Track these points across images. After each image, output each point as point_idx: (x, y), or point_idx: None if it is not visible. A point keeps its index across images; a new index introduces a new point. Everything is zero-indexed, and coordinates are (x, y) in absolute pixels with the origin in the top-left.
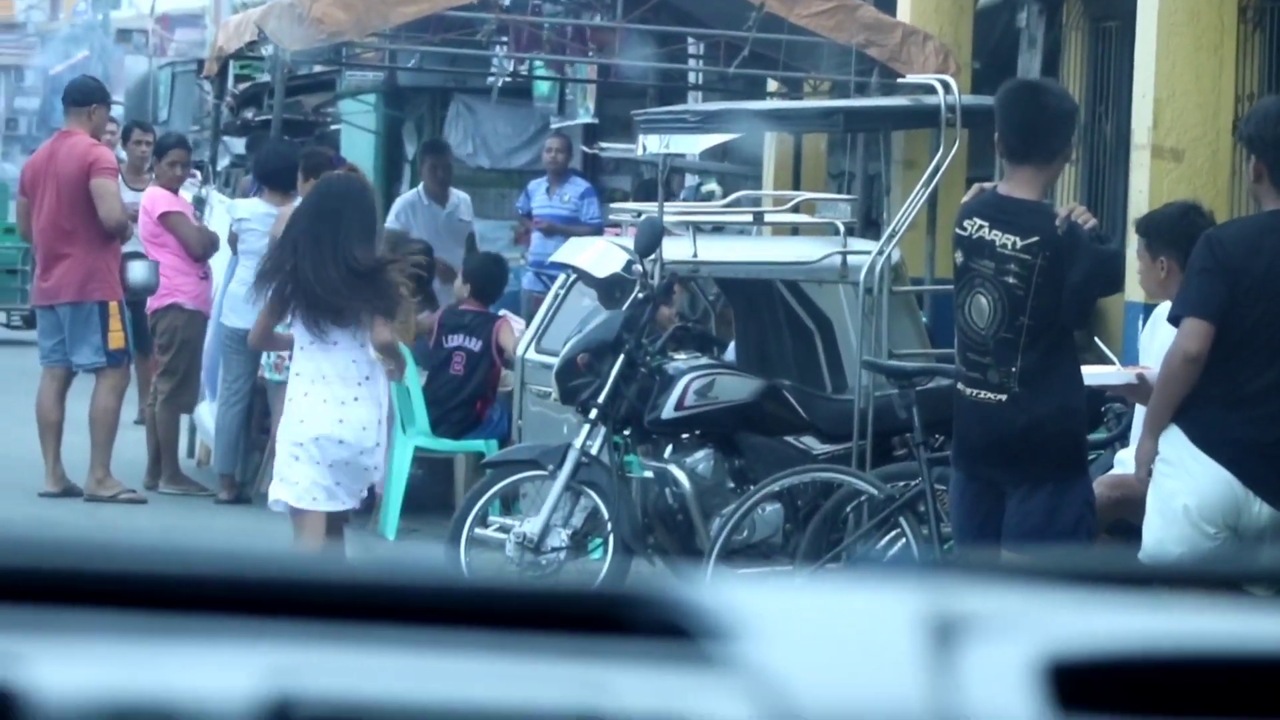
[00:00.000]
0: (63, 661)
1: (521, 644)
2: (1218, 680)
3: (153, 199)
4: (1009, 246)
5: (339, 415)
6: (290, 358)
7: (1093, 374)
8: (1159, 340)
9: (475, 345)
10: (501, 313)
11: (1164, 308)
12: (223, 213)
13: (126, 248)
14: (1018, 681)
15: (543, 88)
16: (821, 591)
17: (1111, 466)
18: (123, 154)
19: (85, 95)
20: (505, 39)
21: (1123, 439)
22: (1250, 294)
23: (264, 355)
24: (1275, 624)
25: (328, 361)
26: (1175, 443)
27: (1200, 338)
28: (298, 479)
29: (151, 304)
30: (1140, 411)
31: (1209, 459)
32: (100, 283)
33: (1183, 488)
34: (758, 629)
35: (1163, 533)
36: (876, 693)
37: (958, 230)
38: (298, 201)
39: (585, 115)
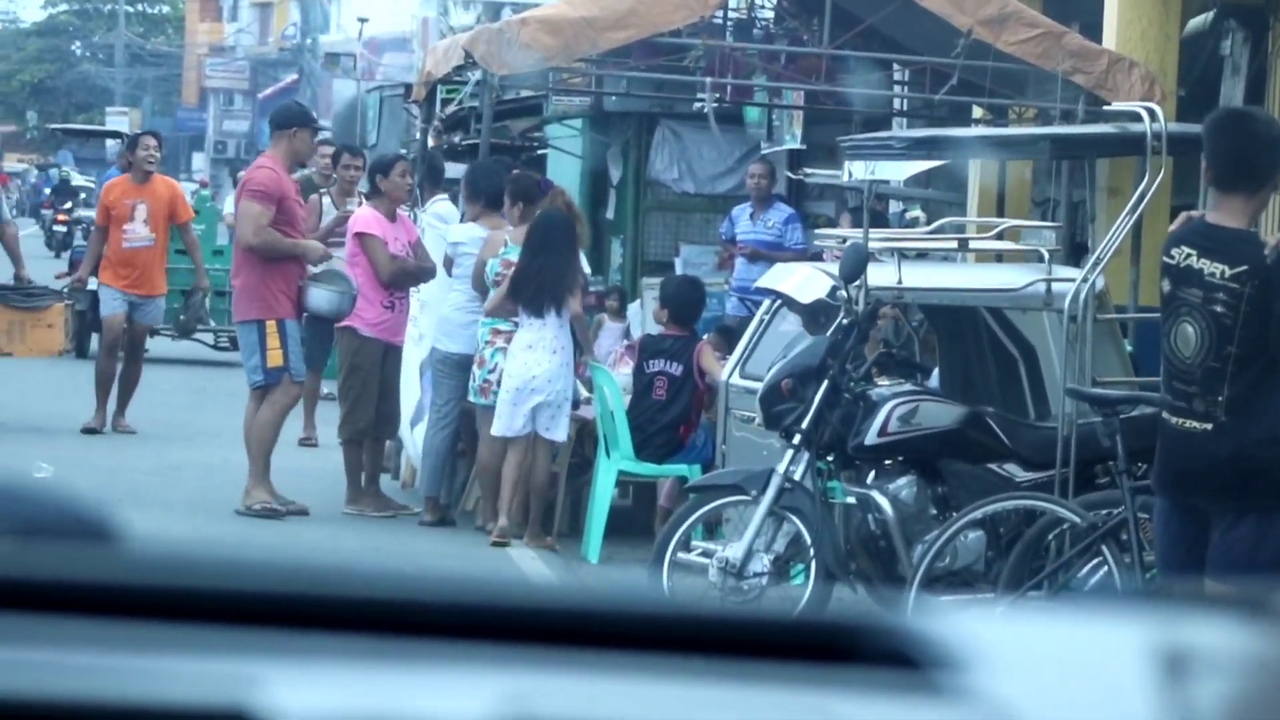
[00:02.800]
0: (300, 685)
1: (749, 671)
2: None
3: (355, 219)
4: (1217, 275)
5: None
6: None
7: None
8: None
9: (676, 370)
10: (704, 336)
11: None
12: (435, 237)
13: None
14: (1250, 716)
15: (753, 113)
16: (1049, 621)
17: None
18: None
19: (287, 119)
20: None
21: None
22: None
23: (471, 380)
24: None
25: (540, 333)
26: None
27: None
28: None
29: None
30: None
31: None
32: (258, 302)
33: None
34: (987, 659)
35: None
36: None
37: (1165, 258)
38: (507, 226)
39: (792, 141)
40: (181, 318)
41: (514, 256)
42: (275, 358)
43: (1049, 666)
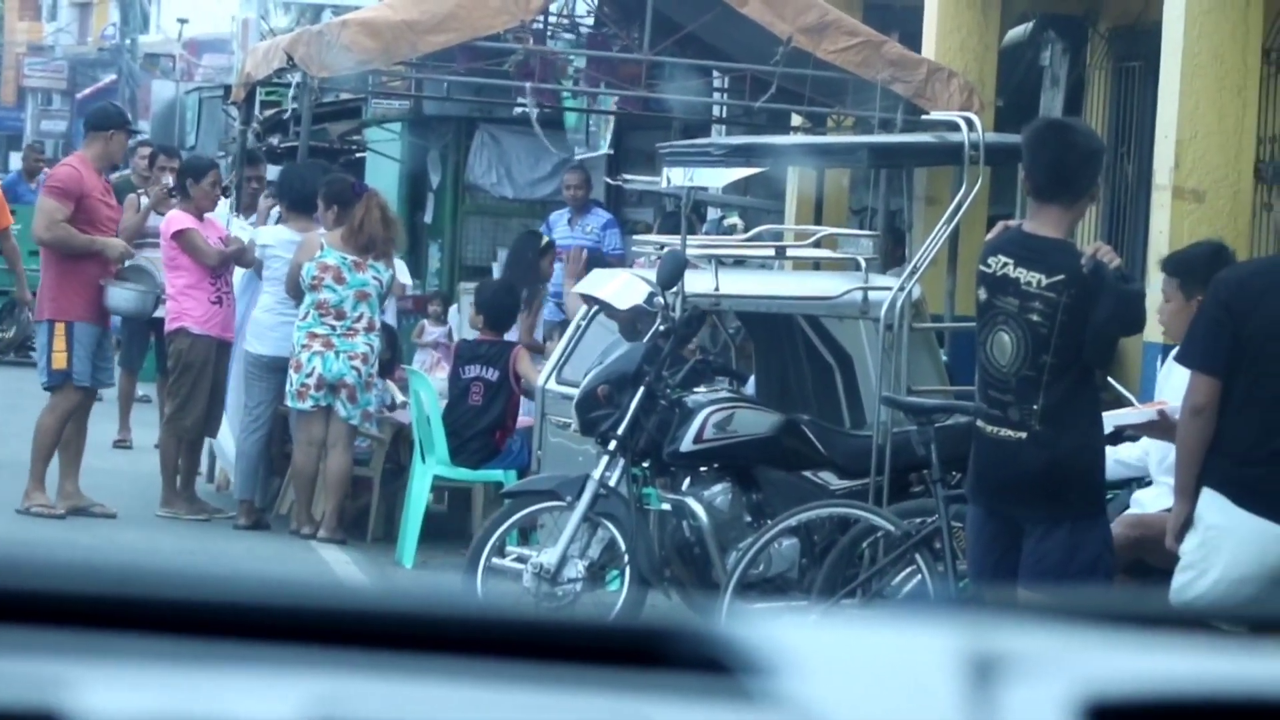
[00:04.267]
0: (110, 687)
1: (561, 676)
2: None
3: (168, 221)
4: (1034, 284)
5: None
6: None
7: (1113, 416)
8: (1174, 379)
9: (492, 375)
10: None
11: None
12: (245, 240)
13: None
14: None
15: (571, 119)
16: (859, 628)
17: (1128, 506)
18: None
19: (104, 121)
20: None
21: (1140, 479)
22: (1262, 339)
23: (288, 383)
24: None
25: None
26: (1214, 504)
27: (1205, 391)
28: None
29: (166, 326)
30: (1157, 450)
31: (1254, 515)
32: (50, 302)
33: (1222, 548)
34: (797, 665)
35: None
36: None
37: (982, 267)
38: (321, 229)
39: (604, 146)
40: (3, 335)
41: (331, 260)
42: (59, 360)
43: (858, 672)
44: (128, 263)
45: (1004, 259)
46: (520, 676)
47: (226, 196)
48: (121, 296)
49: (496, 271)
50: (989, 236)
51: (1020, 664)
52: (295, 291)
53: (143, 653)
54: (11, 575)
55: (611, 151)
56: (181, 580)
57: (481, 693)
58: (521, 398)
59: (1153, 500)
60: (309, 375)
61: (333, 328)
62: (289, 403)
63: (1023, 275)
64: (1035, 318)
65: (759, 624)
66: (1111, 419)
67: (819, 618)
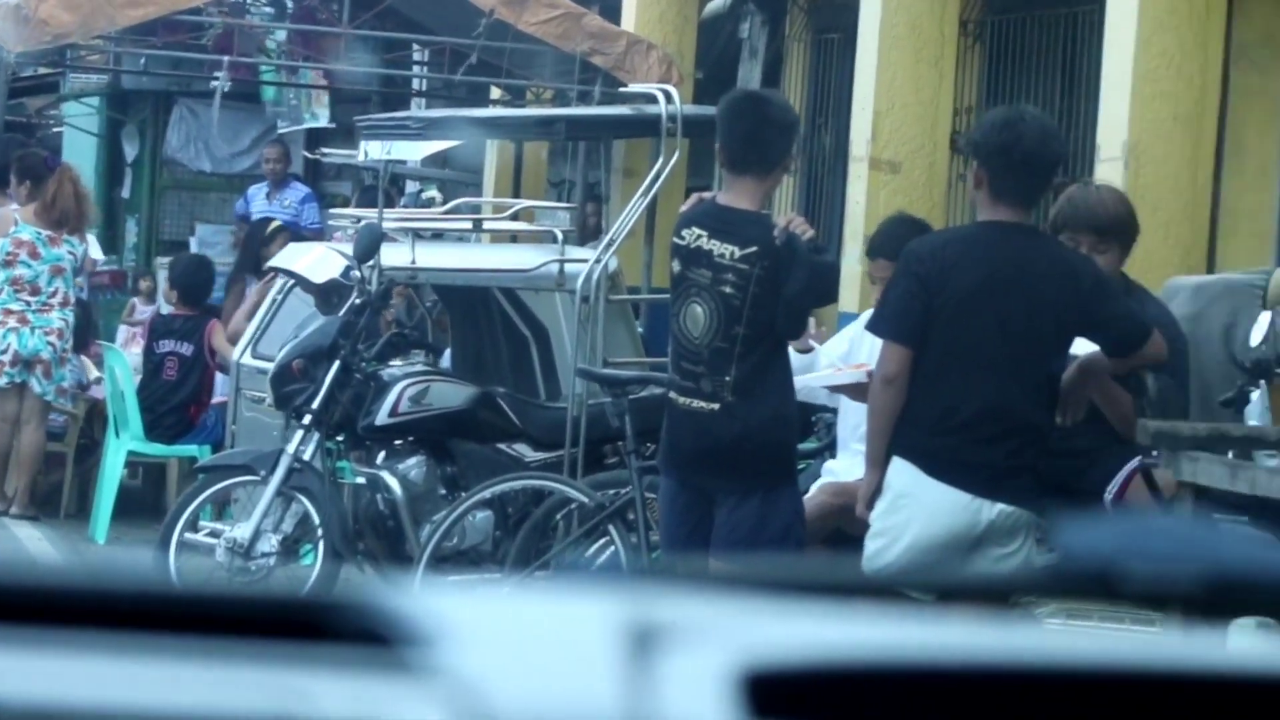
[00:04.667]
0: None
1: (221, 650)
2: (915, 690)
3: None
4: (727, 256)
5: None
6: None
7: (823, 377)
8: (866, 347)
9: (187, 350)
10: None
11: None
12: None
13: None
14: (714, 690)
15: (270, 92)
16: (522, 599)
17: (819, 476)
18: None
19: None
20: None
21: (831, 449)
22: (951, 310)
23: None
24: (966, 634)
25: None
26: (905, 473)
27: (896, 361)
28: None
29: None
30: (852, 414)
31: (942, 484)
32: None
33: (912, 518)
34: (457, 636)
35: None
36: (574, 701)
37: (675, 239)
38: (13, 205)
39: (312, 120)
40: None
41: (26, 235)
42: None
43: (517, 643)
44: None
45: (698, 231)
46: (183, 650)
47: None
48: None
49: (194, 246)
50: (683, 208)
51: (680, 634)
52: None
53: None
54: None
55: (333, 125)
56: None
57: (137, 666)
58: (217, 373)
59: (847, 469)
60: (4, 352)
61: (28, 304)
62: None
63: (716, 247)
64: (728, 290)
65: (420, 596)
66: (821, 381)
67: (480, 589)
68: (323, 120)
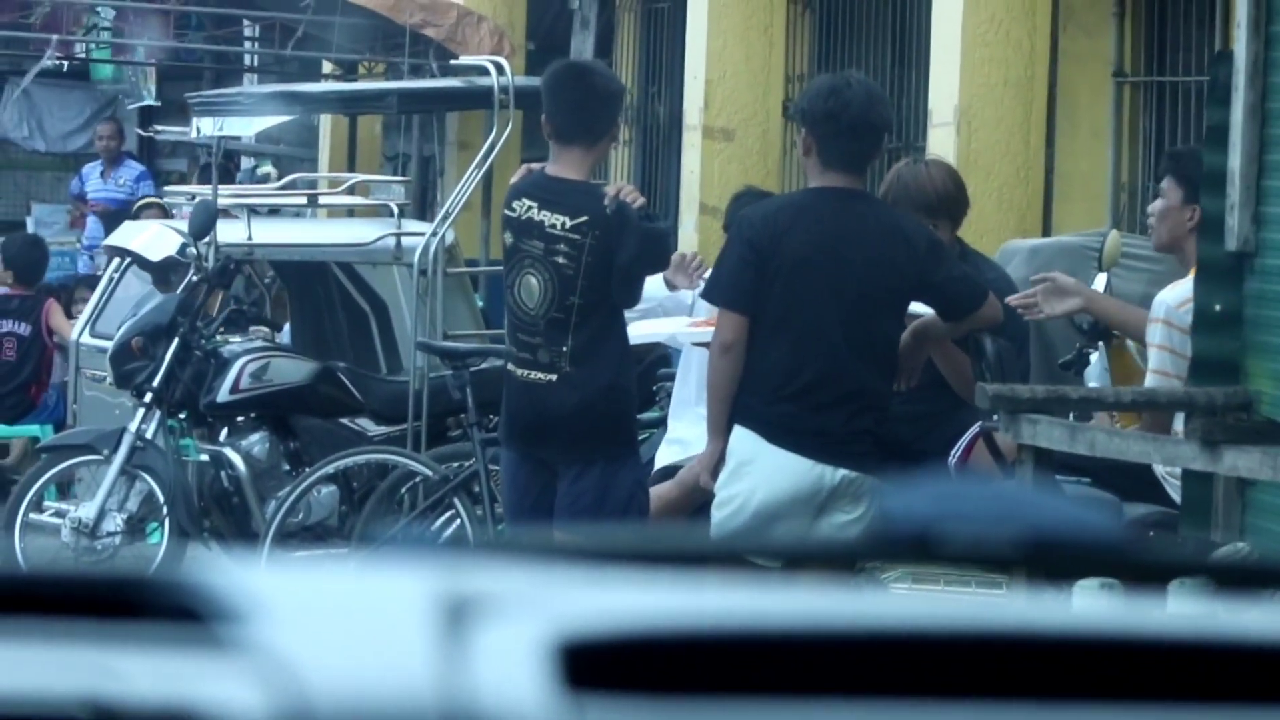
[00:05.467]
0: None
1: (25, 629)
2: (738, 657)
3: None
4: (558, 227)
5: None
6: None
7: (689, 333)
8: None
9: (24, 330)
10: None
11: None
12: None
13: None
14: (528, 661)
15: (105, 70)
16: (339, 573)
17: (660, 444)
18: None
19: None
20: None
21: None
22: (785, 276)
23: None
24: (796, 600)
25: None
26: (746, 441)
27: (732, 328)
28: None
29: None
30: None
31: (783, 450)
32: None
33: (756, 485)
34: (270, 611)
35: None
36: (387, 673)
37: (506, 211)
38: None
39: (147, 98)
40: None
41: None
42: None
43: (330, 616)
44: None
45: (528, 202)
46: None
47: None
48: None
49: (31, 226)
50: (512, 180)
51: (494, 605)
52: None
53: None
54: None
55: (158, 103)
56: None
57: None
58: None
59: (694, 435)
60: None
61: None
62: None
63: (547, 218)
64: (561, 260)
65: (233, 572)
66: (686, 335)
67: (292, 563)
68: (150, 98)
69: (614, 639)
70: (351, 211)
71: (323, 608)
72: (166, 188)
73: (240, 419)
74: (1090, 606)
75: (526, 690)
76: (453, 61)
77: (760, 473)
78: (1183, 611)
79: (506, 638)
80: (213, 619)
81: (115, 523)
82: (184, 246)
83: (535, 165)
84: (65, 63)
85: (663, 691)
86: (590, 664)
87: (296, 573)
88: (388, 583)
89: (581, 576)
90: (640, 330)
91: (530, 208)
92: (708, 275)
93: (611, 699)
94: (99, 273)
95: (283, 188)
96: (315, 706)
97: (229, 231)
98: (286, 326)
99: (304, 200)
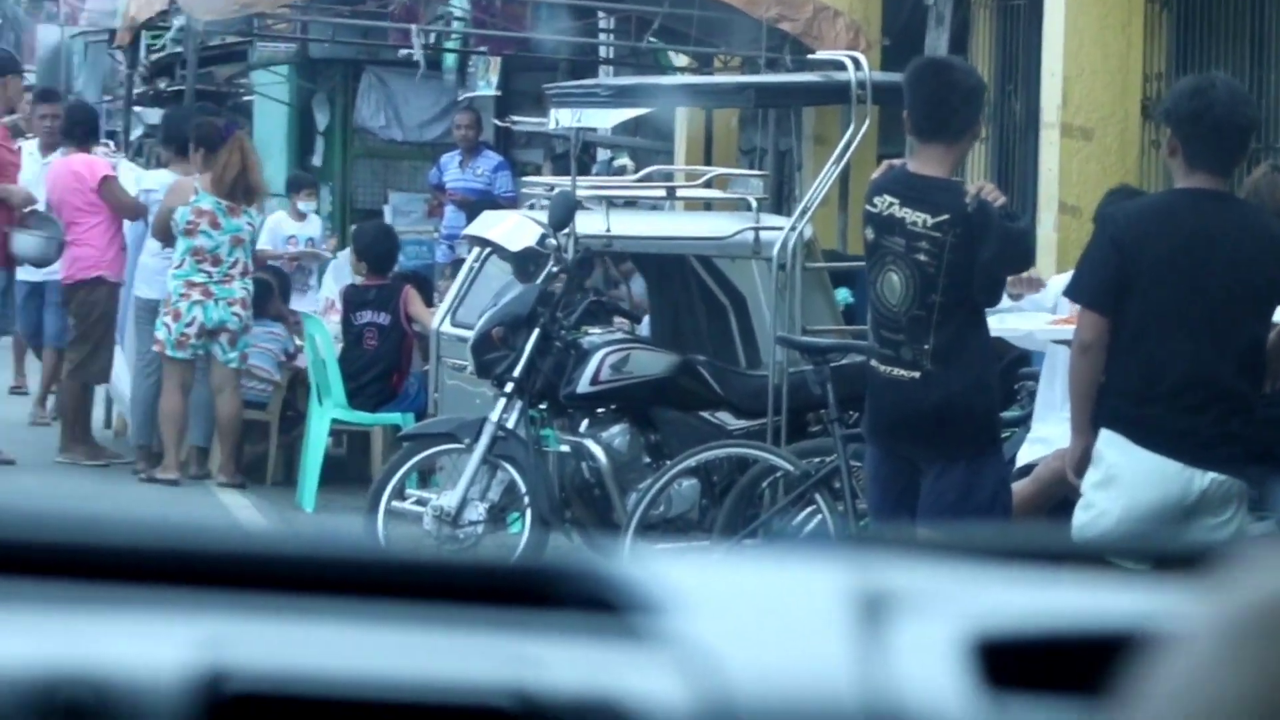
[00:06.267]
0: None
1: (450, 617)
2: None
3: (91, 166)
4: (919, 224)
5: None
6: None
7: (1047, 330)
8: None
9: (384, 319)
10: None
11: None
12: (132, 182)
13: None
14: (946, 658)
15: (448, 60)
16: (749, 566)
17: (1024, 442)
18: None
19: None
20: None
21: (1028, 418)
22: (1151, 277)
23: (164, 332)
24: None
25: None
26: (1114, 444)
27: (1092, 328)
28: None
29: (73, 275)
30: (1055, 384)
31: (1152, 453)
32: None
33: (1123, 489)
34: (686, 604)
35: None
36: (806, 668)
37: (868, 207)
38: (165, 171)
39: (487, 88)
40: None
41: (206, 204)
42: None
43: (746, 610)
44: (31, 209)
45: (889, 199)
46: (406, 617)
47: (114, 141)
48: (27, 244)
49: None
50: (874, 176)
51: (910, 601)
52: (164, 235)
53: (25, 597)
54: None
55: (499, 93)
56: (63, 523)
57: (368, 634)
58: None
59: (1059, 435)
60: (189, 324)
61: (209, 275)
62: (169, 352)
63: (908, 215)
64: (922, 257)
65: (647, 563)
66: (1044, 333)
67: (706, 556)
68: (489, 88)
69: (1029, 637)
70: (708, 205)
71: (739, 601)
72: (524, 178)
73: (601, 410)
74: None
75: (947, 687)
76: (810, 56)
77: (1129, 477)
78: None
79: (925, 634)
80: (630, 610)
81: (477, 512)
82: (543, 237)
83: (896, 161)
84: (422, 53)
85: (1076, 693)
86: (1005, 662)
87: (709, 565)
88: (801, 577)
89: (984, 574)
90: (999, 327)
91: (892, 204)
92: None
93: (1030, 697)
94: (457, 261)
95: (641, 180)
96: (737, 700)
97: (587, 223)
98: (645, 319)
99: (662, 193)
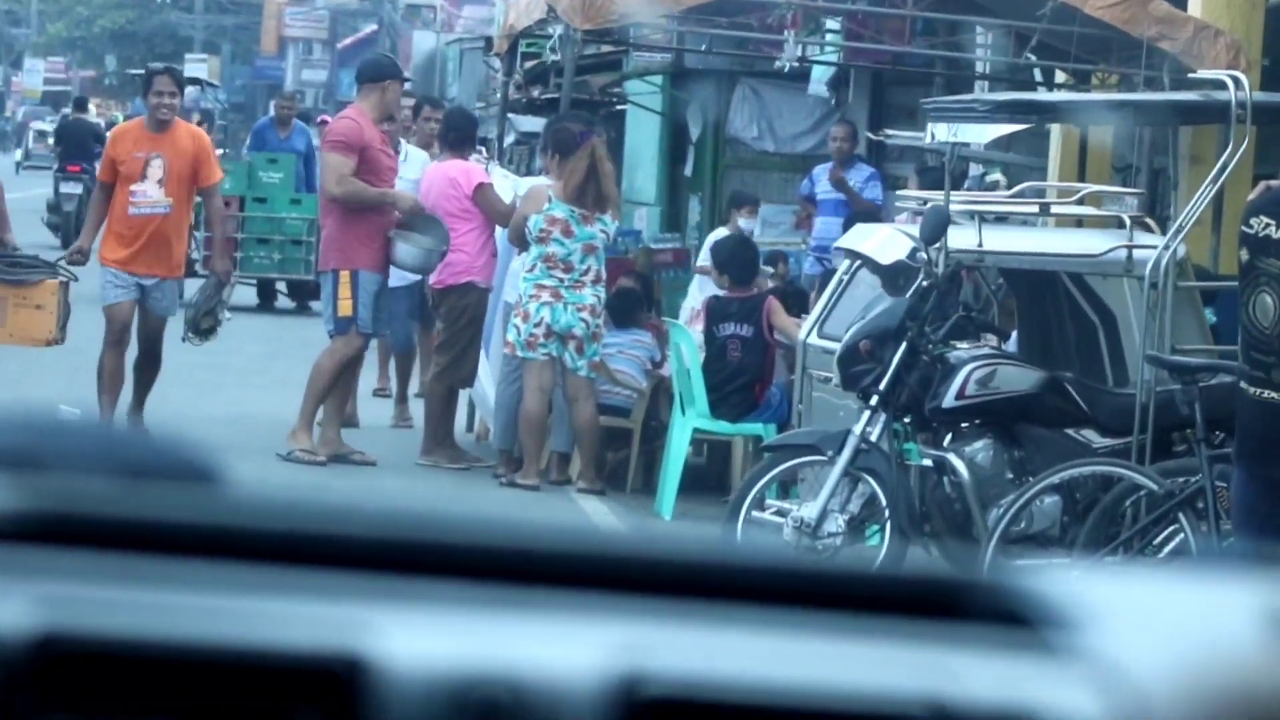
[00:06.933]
0: (411, 631)
1: (865, 627)
2: None
3: (467, 173)
4: None
5: None
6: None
7: None
8: None
9: (747, 331)
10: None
11: None
12: (508, 189)
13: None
14: None
15: (819, 72)
16: (1160, 582)
17: None
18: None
19: (378, 71)
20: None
21: None
22: None
23: (514, 333)
24: None
25: None
26: None
27: None
28: None
29: (444, 280)
30: None
31: None
32: (336, 252)
33: None
34: (1099, 619)
35: None
36: (1224, 685)
37: (1244, 228)
38: (544, 178)
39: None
40: (190, 314)
41: (559, 213)
42: (345, 308)
43: (1159, 625)
44: (421, 213)
45: (1266, 220)
46: (820, 626)
47: (486, 147)
48: (407, 253)
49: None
50: (1250, 197)
51: None
52: (520, 241)
53: (441, 598)
54: (309, 519)
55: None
56: (476, 526)
57: (787, 642)
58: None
59: None
60: (537, 325)
61: (561, 280)
62: (519, 353)
63: None
64: None
65: (1054, 577)
66: None
67: (1116, 572)
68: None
69: None
70: (1080, 221)
71: (1150, 616)
72: (897, 192)
73: (965, 425)
74: None
75: None
76: (1190, 75)
77: None
78: None
79: None
80: (1044, 624)
81: (837, 523)
82: (914, 251)
83: (1274, 183)
84: (795, 64)
85: None
86: None
87: (1121, 580)
88: (1213, 594)
89: None
90: None
91: (1268, 225)
92: None
93: None
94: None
95: (1013, 196)
96: (1153, 716)
97: (958, 237)
98: (1013, 334)
99: (1035, 209)
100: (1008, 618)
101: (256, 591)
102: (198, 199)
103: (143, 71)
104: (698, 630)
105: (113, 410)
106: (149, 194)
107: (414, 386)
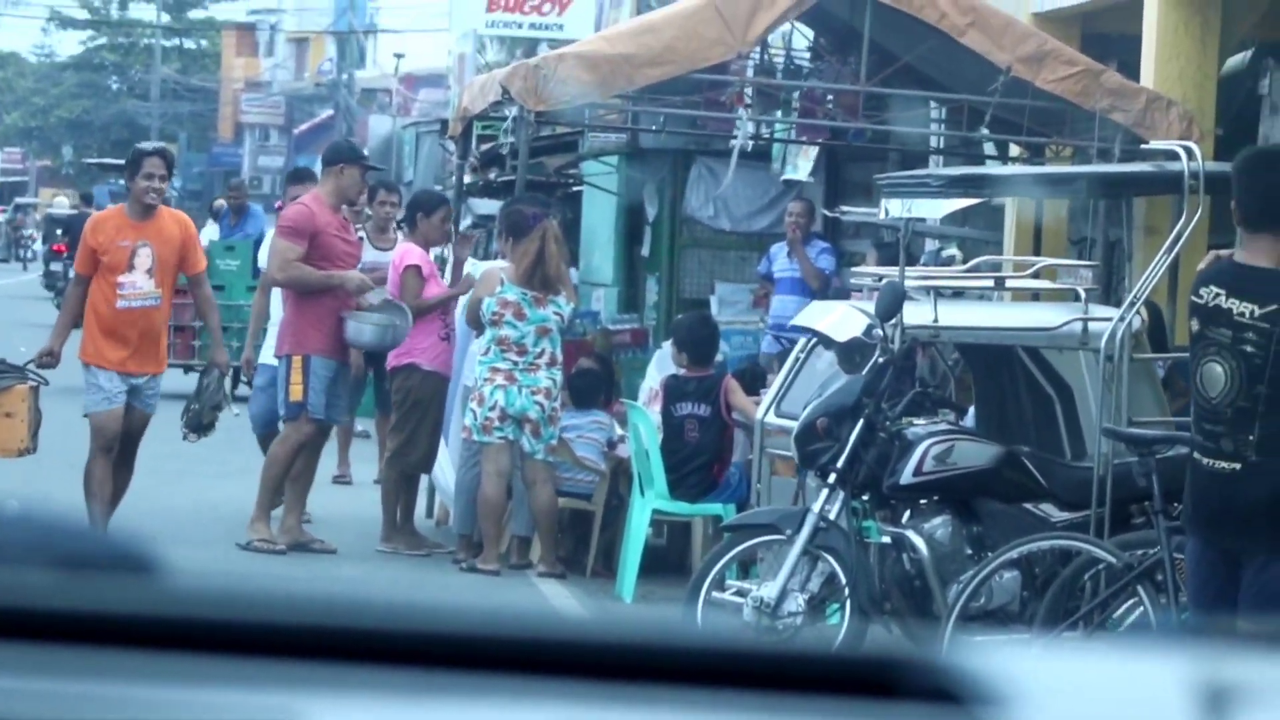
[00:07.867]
0: (341, 717)
1: (793, 706)
2: None
3: (401, 253)
4: (1247, 315)
5: None
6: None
7: None
8: None
9: (704, 410)
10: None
11: None
12: (468, 273)
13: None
14: None
15: (775, 150)
16: (1088, 657)
17: None
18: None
19: (335, 155)
20: (749, 103)
21: None
22: None
23: (470, 418)
24: None
25: None
26: None
27: None
28: None
29: (390, 361)
30: None
31: None
32: (290, 337)
33: None
34: (1026, 695)
35: None
36: None
37: (1194, 298)
38: (500, 261)
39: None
40: (193, 407)
41: (511, 296)
42: (295, 393)
43: (1088, 701)
44: (380, 298)
45: (1215, 289)
46: (750, 706)
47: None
48: (362, 331)
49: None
50: (1200, 267)
51: (1254, 694)
52: (476, 323)
53: (372, 685)
54: (243, 608)
55: (811, 179)
56: (406, 613)
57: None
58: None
59: None
60: (492, 409)
61: (515, 362)
62: (475, 436)
63: (1235, 305)
64: (1249, 349)
65: (985, 654)
66: None
67: (1043, 648)
68: (803, 173)
69: None
70: (1037, 295)
71: (1080, 692)
72: (852, 269)
73: (923, 501)
74: None
75: None
76: (1143, 145)
77: None
78: None
79: None
80: (972, 702)
81: (797, 603)
82: (870, 328)
83: (1224, 252)
84: (751, 144)
85: None
86: None
87: (1048, 656)
88: (1142, 669)
89: None
90: None
91: (1218, 295)
92: None
93: None
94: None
95: (968, 270)
96: None
97: (914, 313)
98: (970, 409)
99: (990, 283)
100: (937, 695)
101: (190, 682)
102: None
103: (100, 161)
104: (624, 712)
105: (107, 518)
106: (139, 285)
107: (372, 473)
